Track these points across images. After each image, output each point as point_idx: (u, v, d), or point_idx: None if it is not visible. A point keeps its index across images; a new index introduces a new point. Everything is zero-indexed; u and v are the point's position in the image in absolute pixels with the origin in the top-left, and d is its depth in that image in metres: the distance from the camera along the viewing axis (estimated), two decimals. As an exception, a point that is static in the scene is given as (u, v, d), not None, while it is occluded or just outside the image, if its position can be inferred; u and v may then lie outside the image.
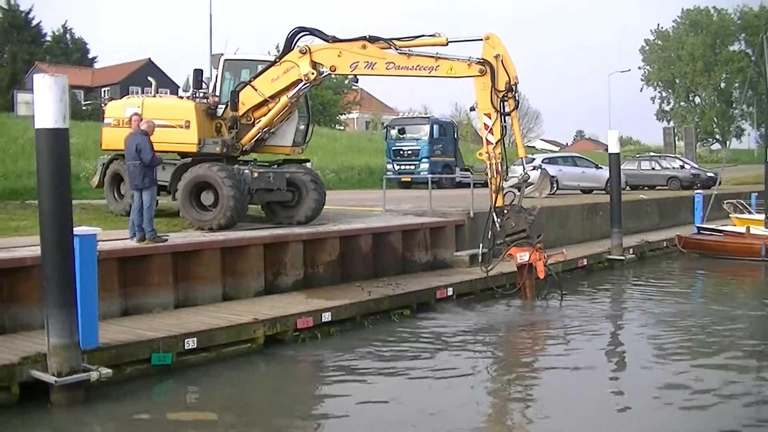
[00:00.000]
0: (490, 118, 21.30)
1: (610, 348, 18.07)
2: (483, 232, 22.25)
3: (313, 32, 22.06)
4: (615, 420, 12.73)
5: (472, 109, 22.31)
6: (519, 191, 22.16)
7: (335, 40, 21.82)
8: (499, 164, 21.40)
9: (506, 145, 21.82)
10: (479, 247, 22.52)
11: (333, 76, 24.10)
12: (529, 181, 22.35)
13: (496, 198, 21.50)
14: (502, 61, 21.06)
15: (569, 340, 17.89)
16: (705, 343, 17.69)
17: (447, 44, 21.38)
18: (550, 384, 14.74)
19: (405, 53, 21.42)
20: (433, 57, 21.33)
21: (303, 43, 22.06)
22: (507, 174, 21.87)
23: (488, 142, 21.40)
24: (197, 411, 13.37)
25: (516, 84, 21.32)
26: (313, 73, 21.71)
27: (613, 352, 17.79)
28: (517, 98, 21.79)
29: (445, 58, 21.30)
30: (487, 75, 21.04)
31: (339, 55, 21.73)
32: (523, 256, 21.17)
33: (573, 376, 15.16)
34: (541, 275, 21.29)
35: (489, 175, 21.51)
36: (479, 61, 21.11)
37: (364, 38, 21.52)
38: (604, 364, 16.49)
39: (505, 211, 21.45)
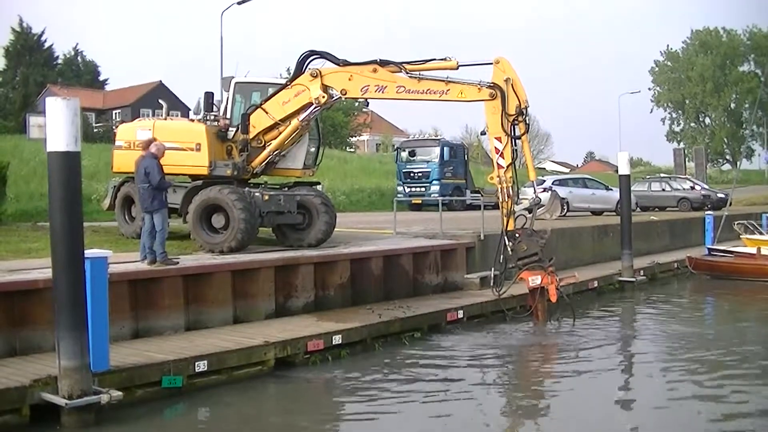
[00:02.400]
0: (500, 141, 21.28)
1: (621, 371, 17.96)
2: (495, 255, 22.20)
3: (324, 55, 22.11)
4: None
5: (483, 133, 22.34)
6: (530, 214, 22.10)
7: (346, 63, 21.87)
8: (510, 188, 21.35)
9: (517, 168, 21.78)
10: (491, 270, 22.50)
11: (343, 99, 24.12)
12: (539, 203, 22.28)
13: (508, 222, 21.46)
14: (512, 85, 21.05)
15: (580, 363, 17.79)
16: (716, 365, 17.59)
17: (458, 68, 21.39)
18: (561, 406, 14.68)
19: (415, 77, 21.45)
20: (443, 81, 21.35)
21: (314, 67, 22.10)
22: (518, 197, 21.81)
23: (499, 166, 21.36)
24: (208, 434, 13.36)
25: (526, 108, 21.32)
26: (323, 97, 21.74)
27: (624, 374, 17.69)
28: (527, 122, 21.75)
29: (456, 82, 21.32)
30: (498, 99, 21.02)
31: (350, 79, 21.74)
32: (535, 279, 21.10)
33: (584, 399, 15.11)
34: (554, 299, 21.22)
35: (500, 198, 21.47)
36: (489, 85, 21.11)
37: (374, 62, 21.57)
38: (616, 387, 16.38)
39: (517, 235, 21.40)
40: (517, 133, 21.44)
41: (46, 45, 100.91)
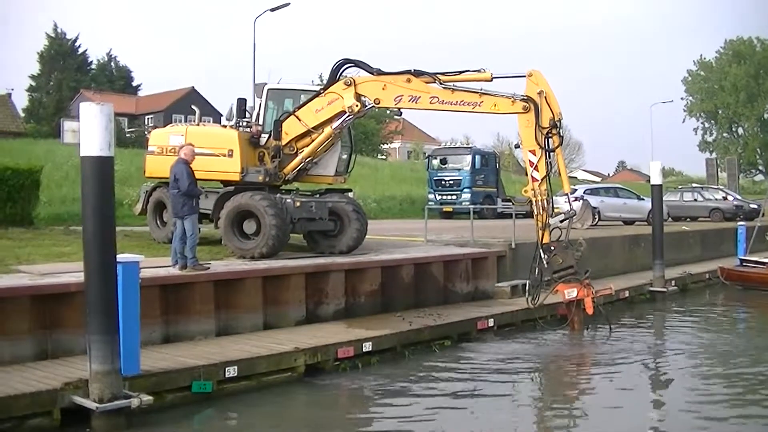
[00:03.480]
0: (534, 154, 21.17)
1: (654, 383, 17.83)
2: (530, 265, 22.10)
3: (358, 64, 22.10)
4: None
5: (517, 146, 22.26)
6: (565, 227, 21.98)
7: (380, 72, 21.83)
8: (545, 201, 21.27)
9: (551, 178, 21.68)
10: (527, 280, 22.43)
11: (377, 108, 24.11)
12: (573, 216, 22.17)
13: (543, 234, 21.38)
14: (545, 97, 20.92)
15: (613, 375, 17.64)
16: (750, 377, 17.44)
17: (491, 80, 21.32)
18: (592, 419, 14.57)
19: (449, 88, 21.37)
20: (477, 93, 21.27)
21: (348, 75, 22.12)
22: (552, 207, 21.69)
23: (533, 179, 21.22)
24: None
25: (560, 120, 21.21)
26: (357, 105, 21.72)
27: (656, 385, 17.57)
28: (561, 134, 21.64)
29: (489, 94, 21.24)
30: (531, 112, 20.91)
31: (384, 89, 21.71)
32: (570, 292, 21.03)
33: (617, 412, 14.99)
34: (590, 311, 21.10)
35: (535, 211, 21.36)
36: (523, 98, 21.01)
37: (409, 72, 21.52)
38: (648, 398, 16.33)
39: (552, 248, 21.33)
40: (551, 146, 21.35)
41: (80, 50, 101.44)
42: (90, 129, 12.33)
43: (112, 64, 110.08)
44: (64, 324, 14.76)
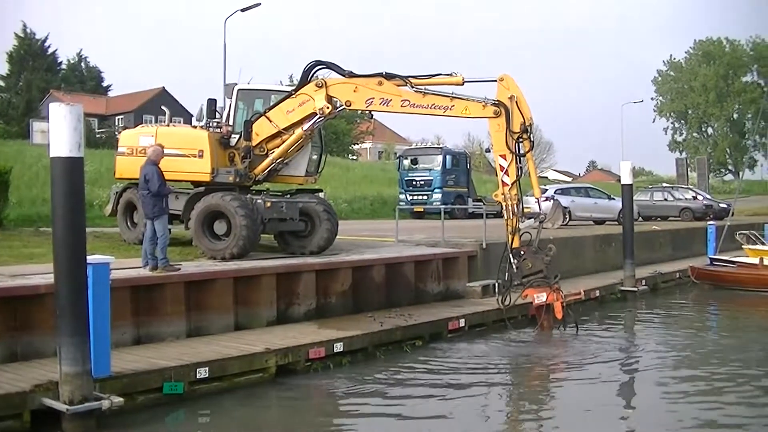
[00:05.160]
0: (505, 159, 21.24)
1: (622, 381, 17.90)
2: (498, 265, 22.20)
3: (329, 66, 22.15)
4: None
5: (488, 150, 22.35)
6: (535, 231, 22.08)
7: (352, 75, 21.86)
8: (515, 205, 21.34)
9: (521, 180, 21.77)
10: (495, 281, 22.55)
11: (348, 110, 24.13)
12: (543, 219, 22.29)
13: (513, 239, 21.46)
14: (516, 102, 21.01)
15: (582, 373, 17.74)
16: (717, 375, 17.53)
17: (463, 84, 21.37)
18: (563, 417, 14.63)
19: (420, 91, 21.43)
20: (448, 96, 21.33)
21: (319, 77, 22.13)
22: (522, 209, 21.76)
23: (504, 184, 21.31)
24: (209, 441, 13.35)
25: (531, 125, 21.32)
26: (328, 107, 21.77)
27: (625, 385, 17.61)
28: (532, 139, 21.77)
29: (461, 98, 21.30)
30: (502, 116, 20.99)
31: (355, 91, 21.74)
32: (540, 296, 21.14)
33: (586, 410, 15.05)
34: (559, 315, 21.21)
35: (505, 216, 21.46)
36: (494, 103, 21.10)
37: (380, 74, 21.57)
38: (617, 397, 16.43)
39: (522, 252, 21.41)
40: (522, 151, 21.45)
41: (50, 50, 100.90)
42: (59, 130, 12.28)
43: (83, 64, 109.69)
44: (34, 326, 14.68)
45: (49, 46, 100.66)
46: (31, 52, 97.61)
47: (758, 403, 15.29)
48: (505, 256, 21.70)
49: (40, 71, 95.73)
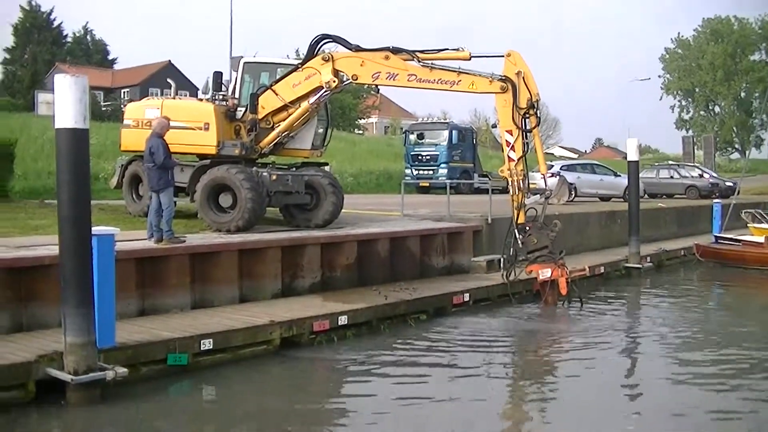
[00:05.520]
0: (511, 135, 21.25)
1: (624, 357, 17.89)
2: (503, 241, 22.22)
3: (336, 40, 22.08)
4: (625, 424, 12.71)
5: (494, 125, 22.30)
6: (541, 207, 22.08)
7: (358, 49, 21.80)
8: (521, 181, 21.32)
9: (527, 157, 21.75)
10: (501, 256, 22.58)
11: (354, 84, 24.07)
12: (549, 196, 22.30)
13: (518, 215, 21.46)
14: (523, 78, 20.99)
15: (585, 349, 17.76)
16: (718, 353, 17.59)
17: (470, 59, 21.29)
18: (564, 391, 14.66)
19: (427, 66, 21.38)
20: (455, 71, 21.29)
21: (326, 51, 22.08)
22: (528, 184, 21.73)
23: (510, 159, 21.32)
24: (212, 411, 13.34)
25: (537, 101, 21.28)
26: (334, 81, 21.71)
27: (627, 361, 17.63)
28: (538, 115, 21.74)
29: (468, 73, 21.27)
30: (509, 92, 20.98)
31: (362, 65, 21.68)
32: (545, 272, 21.17)
33: (588, 384, 15.12)
34: (564, 291, 21.28)
35: (511, 192, 21.48)
36: (501, 78, 21.07)
37: (387, 49, 21.50)
38: (619, 373, 16.38)
39: (527, 228, 21.43)
40: (528, 127, 21.42)
41: (56, 23, 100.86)
42: (64, 101, 12.25)
43: (88, 37, 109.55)
44: (39, 297, 14.69)
45: (54, 19, 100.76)
46: (37, 25, 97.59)
47: (757, 381, 15.26)
48: (510, 231, 21.70)
49: (45, 44, 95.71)
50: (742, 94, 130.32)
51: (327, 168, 24.49)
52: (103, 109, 77.44)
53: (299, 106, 22.16)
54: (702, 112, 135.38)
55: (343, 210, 23.65)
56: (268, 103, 22.30)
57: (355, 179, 47.93)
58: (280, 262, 19.33)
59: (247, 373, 14.85)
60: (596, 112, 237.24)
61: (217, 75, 23.14)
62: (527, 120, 21.34)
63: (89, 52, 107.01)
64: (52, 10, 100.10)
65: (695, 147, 77.09)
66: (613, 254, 29.78)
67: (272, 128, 22.47)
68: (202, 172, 21.52)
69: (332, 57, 21.83)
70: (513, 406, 14.22)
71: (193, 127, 21.81)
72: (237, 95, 22.88)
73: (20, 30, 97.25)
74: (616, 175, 41.29)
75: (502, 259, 22.66)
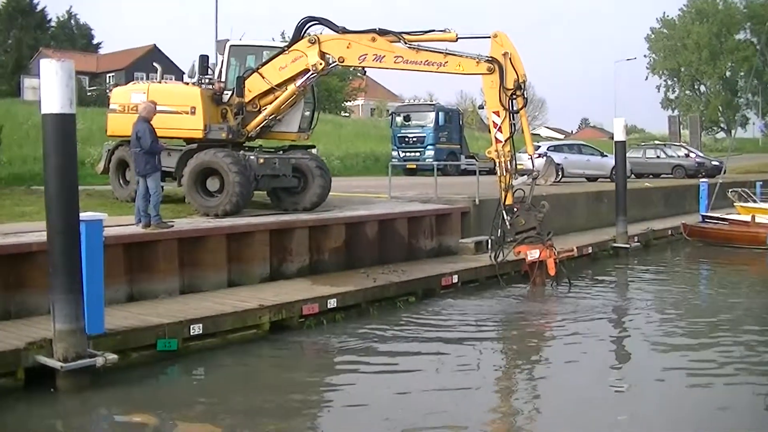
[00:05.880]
0: (498, 116, 21.26)
1: (613, 337, 18.01)
2: (491, 222, 22.25)
3: (322, 22, 22.01)
4: (616, 409, 12.74)
5: (481, 107, 22.30)
6: (528, 188, 22.12)
7: (345, 31, 21.74)
8: (509, 162, 21.35)
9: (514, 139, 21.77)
10: (488, 237, 22.61)
11: (341, 66, 24.05)
12: (537, 177, 22.34)
13: (506, 196, 21.49)
14: (510, 59, 21.01)
15: (574, 330, 17.72)
16: (706, 333, 17.64)
17: (456, 40, 21.32)
18: (555, 375, 14.67)
19: (414, 48, 21.36)
20: (441, 53, 21.29)
21: (312, 33, 22.02)
22: (515, 165, 21.75)
23: (497, 140, 21.35)
24: (203, 397, 13.30)
25: (524, 82, 21.29)
26: (321, 64, 21.67)
27: (616, 341, 17.69)
28: (525, 96, 21.74)
29: (454, 55, 21.27)
30: (496, 73, 20.99)
31: (348, 47, 21.65)
32: (533, 253, 21.24)
33: (577, 366, 15.11)
34: (552, 272, 21.37)
35: (498, 173, 21.50)
36: (488, 59, 21.06)
37: (373, 30, 21.45)
38: (608, 354, 16.46)
39: (515, 209, 21.45)
40: (515, 108, 21.44)
41: (39, 7, 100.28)
42: (50, 86, 12.19)
43: (72, 21, 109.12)
44: (27, 284, 14.67)
45: (38, 3, 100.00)
46: (20, 9, 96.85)
47: (745, 361, 15.29)
48: (498, 212, 21.74)
49: (29, 29, 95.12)
50: (728, 74, 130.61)
51: (314, 151, 24.50)
52: (89, 94, 77.15)
53: (286, 89, 22.12)
54: (688, 92, 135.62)
55: (330, 193, 23.64)
56: (254, 86, 22.23)
57: (341, 162, 47.82)
58: (268, 246, 19.31)
59: (236, 357, 14.87)
60: (582, 92, 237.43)
61: (203, 58, 23.06)
62: (514, 101, 21.36)
63: (74, 37, 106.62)
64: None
65: (681, 126, 77.35)
66: (601, 234, 29.81)
67: (259, 111, 22.43)
68: (189, 157, 21.47)
69: (318, 39, 21.77)
70: (501, 390, 14.20)
71: (180, 111, 21.71)
72: (223, 79, 22.78)
73: (3, 15, 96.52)
74: (602, 155, 41.42)
75: (490, 241, 22.66)
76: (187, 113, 21.74)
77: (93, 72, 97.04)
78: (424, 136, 46.63)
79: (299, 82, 22.00)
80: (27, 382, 12.42)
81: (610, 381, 14.24)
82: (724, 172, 38.73)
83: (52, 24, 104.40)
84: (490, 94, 21.32)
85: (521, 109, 21.55)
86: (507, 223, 21.42)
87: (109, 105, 23.88)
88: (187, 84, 23.04)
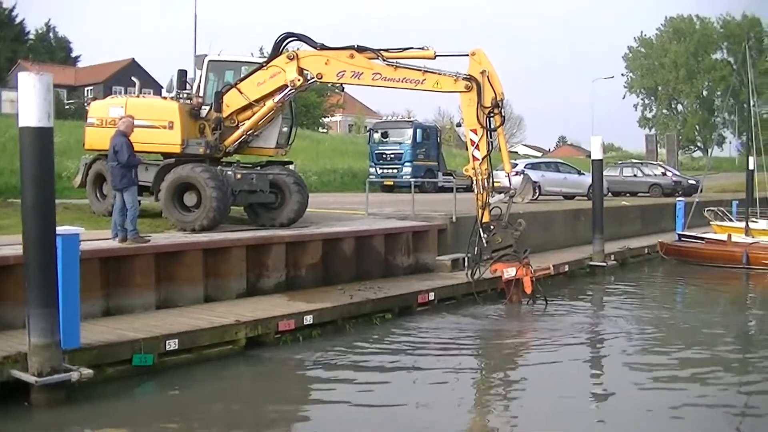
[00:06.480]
0: (476, 134, 21.34)
1: (589, 355, 18.04)
2: (468, 240, 22.27)
3: (301, 38, 22.06)
4: (590, 424, 12.77)
5: (459, 124, 22.34)
6: (505, 206, 22.16)
7: (323, 47, 21.77)
8: (486, 180, 21.41)
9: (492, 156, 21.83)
10: (465, 255, 22.63)
11: (319, 83, 24.07)
12: (513, 195, 22.39)
13: (483, 213, 21.52)
14: (488, 77, 21.07)
15: (550, 348, 17.77)
16: (683, 350, 17.74)
17: (435, 58, 21.39)
18: (532, 392, 14.69)
19: (392, 65, 21.40)
20: (420, 70, 21.34)
21: (291, 49, 22.04)
22: (492, 183, 21.81)
23: (474, 158, 21.41)
24: (178, 412, 13.26)
25: (502, 100, 21.41)
26: (299, 80, 21.68)
27: (592, 359, 17.74)
28: (503, 114, 21.81)
29: (432, 72, 21.32)
30: (473, 91, 21.04)
31: (326, 63, 21.67)
32: (509, 271, 21.24)
33: (553, 383, 15.11)
34: (528, 290, 21.33)
35: (475, 191, 21.54)
36: (466, 77, 21.13)
37: (352, 47, 21.48)
38: (584, 372, 16.52)
39: (492, 227, 21.49)
40: (493, 126, 21.51)
41: (18, 20, 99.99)
42: (28, 99, 12.17)
43: (51, 34, 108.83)
44: (2, 297, 14.57)
45: (16, 16, 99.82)
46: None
47: (719, 377, 15.38)
48: (475, 230, 21.78)
49: (7, 41, 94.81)
50: (705, 93, 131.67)
51: (291, 167, 24.49)
52: (66, 107, 76.88)
53: (264, 105, 22.12)
54: (665, 111, 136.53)
55: (307, 209, 23.63)
56: (232, 101, 22.23)
57: (319, 178, 47.80)
58: (245, 262, 19.29)
59: (212, 373, 14.82)
60: (560, 110, 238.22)
61: (182, 73, 23.04)
62: (492, 119, 21.42)
63: (52, 49, 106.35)
64: (14, 7, 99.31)
65: (658, 145, 77.80)
66: (578, 252, 29.92)
67: (237, 127, 22.42)
68: (166, 171, 21.43)
69: (297, 55, 21.80)
70: (477, 405, 14.22)
71: (158, 125, 21.70)
72: (201, 94, 22.76)
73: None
74: (579, 173, 41.63)
75: (466, 258, 22.68)
76: (165, 128, 21.72)
77: (71, 85, 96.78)
78: (402, 153, 46.64)
79: (277, 97, 22.00)
80: (1, 396, 12.30)
81: (585, 397, 14.26)
82: (701, 191, 39.04)
83: (31, 36, 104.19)
84: (468, 112, 21.38)
85: (499, 127, 21.62)
86: (484, 241, 21.46)
87: (87, 118, 23.84)
88: (166, 98, 23.02)
